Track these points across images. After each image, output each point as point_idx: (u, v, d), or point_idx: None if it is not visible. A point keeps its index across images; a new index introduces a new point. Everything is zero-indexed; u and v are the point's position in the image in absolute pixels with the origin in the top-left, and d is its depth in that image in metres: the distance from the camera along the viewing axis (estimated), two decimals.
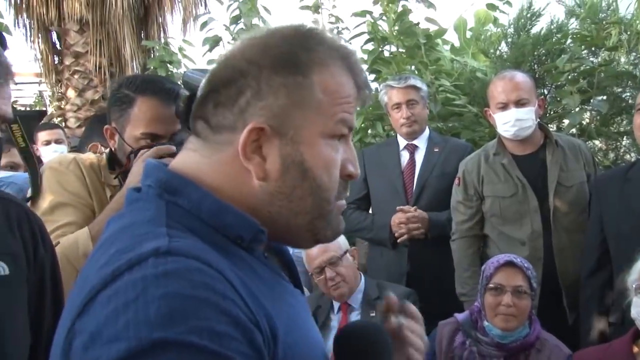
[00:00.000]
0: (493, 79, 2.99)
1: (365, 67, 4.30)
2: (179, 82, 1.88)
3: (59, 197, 1.77)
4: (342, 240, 2.85)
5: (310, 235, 0.91)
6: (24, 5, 7.46)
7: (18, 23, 7.54)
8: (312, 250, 2.77)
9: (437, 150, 3.23)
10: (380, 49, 4.23)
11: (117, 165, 1.85)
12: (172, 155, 1.57)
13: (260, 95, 0.84)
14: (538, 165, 2.86)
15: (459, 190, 2.98)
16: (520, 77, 2.86)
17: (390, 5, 4.08)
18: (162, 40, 6.34)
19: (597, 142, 4.13)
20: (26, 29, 7.61)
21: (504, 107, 2.80)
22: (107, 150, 1.94)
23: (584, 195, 2.82)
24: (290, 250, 1.09)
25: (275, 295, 0.83)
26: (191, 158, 0.89)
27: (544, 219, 2.79)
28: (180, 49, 5.28)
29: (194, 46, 5.34)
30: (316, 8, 4.28)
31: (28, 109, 9.50)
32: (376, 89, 4.26)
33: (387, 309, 1.03)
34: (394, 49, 4.22)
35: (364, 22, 4.24)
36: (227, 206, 0.84)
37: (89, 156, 1.95)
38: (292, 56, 0.85)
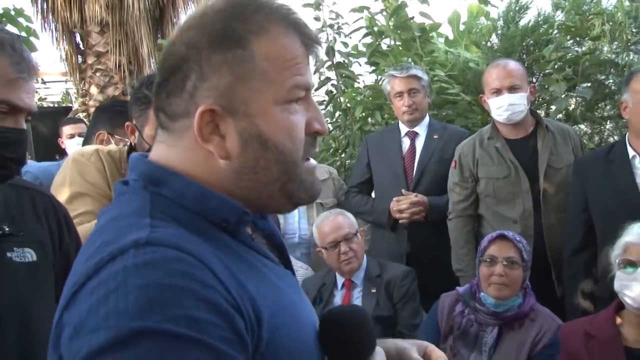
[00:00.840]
0: (487, 67, 2.97)
1: (364, 59, 4.27)
2: None
3: (78, 188, 1.77)
4: (353, 220, 2.88)
5: (286, 200, 0.85)
6: (49, 10, 7.48)
7: (45, 27, 7.56)
8: (325, 226, 2.80)
9: (436, 136, 3.19)
10: (377, 42, 4.19)
11: None
12: None
13: (204, 77, 0.79)
14: (529, 148, 2.84)
15: (455, 172, 2.96)
16: (513, 65, 2.87)
17: (388, 1, 4.04)
18: None
19: (582, 126, 4.12)
20: (52, 32, 7.63)
21: (498, 92, 2.78)
22: (126, 143, 1.96)
23: (571, 181, 2.78)
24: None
25: (261, 279, 0.79)
26: (161, 150, 0.84)
27: (535, 199, 2.78)
28: None
29: None
30: (317, 5, 4.20)
31: (56, 105, 9.48)
32: (377, 80, 4.25)
33: None
34: (391, 42, 4.18)
35: (362, 17, 4.20)
36: (209, 191, 0.80)
37: (110, 148, 1.95)
38: (227, 30, 0.79)
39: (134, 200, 0.79)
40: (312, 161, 0.88)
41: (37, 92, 9.07)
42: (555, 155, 2.81)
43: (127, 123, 1.85)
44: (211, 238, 0.77)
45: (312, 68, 0.88)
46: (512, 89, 2.75)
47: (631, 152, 2.53)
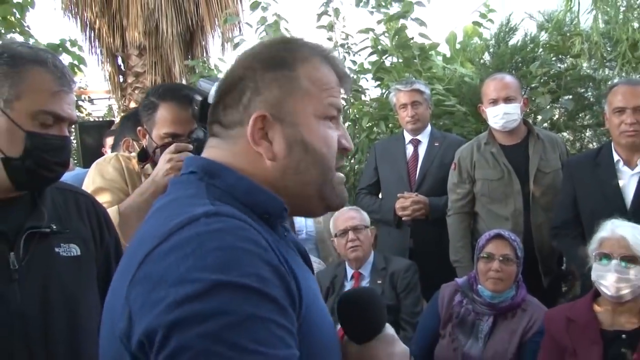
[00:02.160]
0: (486, 79, 2.94)
1: (370, 75, 4.26)
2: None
3: (99, 184, 1.84)
4: (365, 216, 2.89)
5: (321, 202, 0.87)
6: (96, 37, 7.59)
7: (92, 51, 7.69)
8: (340, 218, 2.83)
9: (437, 144, 3.16)
10: (382, 60, 4.18)
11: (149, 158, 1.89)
12: (189, 151, 1.65)
13: (257, 92, 0.83)
14: (521, 154, 2.81)
15: (454, 173, 2.93)
16: (509, 78, 2.88)
17: (390, 23, 4.04)
18: (202, 60, 6.43)
19: (565, 133, 4.09)
20: (98, 56, 7.76)
21: (495, 102, 2.77)
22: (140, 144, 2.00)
23: (558, 180, 2.77)
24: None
25: (296, 263, 0.80)
26: (214, 153, 0.86)
27: (525, 200, 2.76)
28: (216, 66, 5.36)
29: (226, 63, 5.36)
30: (330, 27, 4.22)
31: (100, 119, 9.56)
32: (382, 93, 4.22)
33: None
34: (394, 59, 4.16)
35: (368, 38, 4.21)
36: (259, 187, 0.82)
37: (130, 154, 2.04)
38: (277, 56, 0.85)
39: (191, 188, 0.81)
40: (342, 175, 0.90)
41: (85, 108, 9.19)
42: (544, 160, 2.78)
43: (138, 127, 1.90)
44: (259, 225, 0.77)
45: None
46: (508, 99, 2.74)
47: (616, 157, 2.48)
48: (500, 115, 2.74)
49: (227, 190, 0.80)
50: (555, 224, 2.64)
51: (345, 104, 4.32)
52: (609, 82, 3.73)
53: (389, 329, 0.87)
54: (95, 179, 1.88)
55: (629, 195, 2.41)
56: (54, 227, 1.23)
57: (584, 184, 2.53)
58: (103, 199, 1.76)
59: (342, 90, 0.89)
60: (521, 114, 2.79)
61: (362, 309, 0.85)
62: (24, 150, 1.16)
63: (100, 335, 0.78)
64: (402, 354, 0.85)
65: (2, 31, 4.53)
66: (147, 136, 1.82)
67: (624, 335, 1.91)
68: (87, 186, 1.86)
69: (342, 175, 0.89)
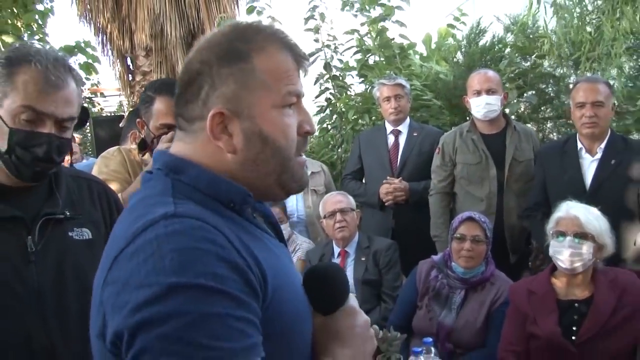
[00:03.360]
0: (472, 74, 2.92)
1: (355, 72, 4.22)
2: None
3: (105, 175, 1.83)
4: (351, 200, 2.85)
5: (281, 189, 0.82)
6: (108, 40, 7.51)
7: (104, 53, 7.61)
8: (328, 201, 2.81)
9: (415, 134, 3.12)
10: (365, 59, 4.14)
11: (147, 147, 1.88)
12: None
13: (214, 87, 0.76)
14: (499, 143, 2.79)
15: (438, 157, 2.90)
16: (491, 73, 2.87)
17: (373, 25, 4.01)
18: None
19: (529, 125, 4.04)
20: (109, 57, 7.64)
21: (478, 93, 2.75)
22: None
23: (530, 169, 2.77)
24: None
25: (263, 247, 0.76)
26: (180, 146, 0.81)
27: (499, 184, 2.74)
28: None
29: None
30: (317, 30, 4.15)
31: (112, 114, 9.51)
32: (365, 89, 4.18)
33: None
34: (376, 58, 4.13)
35: (353, 39, 4.16)
36: (220, 178, 0.77)
37: (131, 147, 2.04)
38: (232, 48, 0.77)
39: (158, 185, 0.77)
40: (303, 157, 0.85)
41: (98, 103, 9.08)
42: (519, 150, 2.76)
43: (137, 120, 1.88)
44: (223, 215, 0.74)
45: (303, 80, 0.84)
46: (490, 91, 2.72)
47: (579, 145, 2.50)
48: (483, 105, 2.72)
49: (191, 184, 0.76)
50: (527, 206, 2.64)
51: (332, 98, 4.28)
52: (567, 80, 3.76)
53: (352, 302, 0.83)
54: (101, 170, 1.88)
55: (589, 179, 2.42)
56: (68, 213, 1.22)
57: (552, 169, 2.54)
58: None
59: (301, 73, 0.82)
60: (501, 105, 2.77)
61: (326, 282, 0.81)
62: (8, 146, 1.13)
63: (90, 331, 0.75)
64: (362, 325, 0.81)
65: (26, 37, 4.48)
66: (145, 127, 1.80)
67: (576, 304, 1.92)
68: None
69: (303, 158, 0.84)
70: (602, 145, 2.43)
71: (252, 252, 0.70)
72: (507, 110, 3.85)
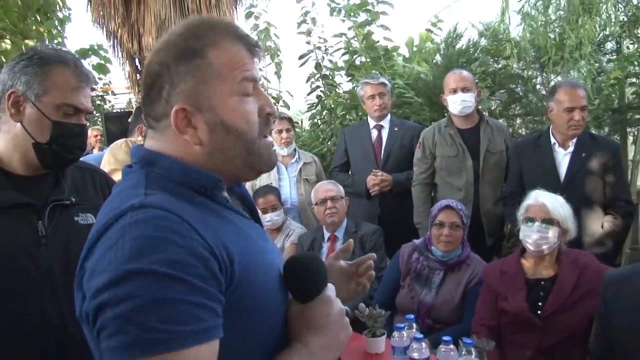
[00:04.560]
0: (448, 73, 2.88)
1: (343, 72, 4.16)
2: None
3: (113, 165, 1.82)
4: (341, 189, 2.79)
5: (250, 169, 0.78)
6: (118, 43, 7.39)
7: (115, 54, 7.49)
8: (320, 189, 2.75)
9: (397, 129, 3.05)
10: (352, 60, 4.09)
11: None
12: None
13: (174, 85, 0.73)
14: (474, 136, 2.75)
15: (419, 151, 2.87)
16: (466, 73, 2.83)
17: (359, 29, 3.96)
18: None
19: (500, 121, 4.01)
20: (119, 58, 7.49)
21: (454, 91, 2.71)
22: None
23: (502, 159, 2.74)
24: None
25: (234, 229, 0.73)
26: (152, 143, 0.78)
27: (475, 174, 2.70)
28: None
29: None
30: (309, 32, 4.08)
31: (122, 110, 9.37)
32: (353, 87, 4.12)
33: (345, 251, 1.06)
34: (363, 59, 4.07)
35: (341, 41, 4.10)
36: (190, 166, 0.74)
37: (138, 139, 2.00)
38: (187, 47, 0.74)
39: (134, 177, 0.74)
40: (270, 138, 0.80)
41: (109, 101, 8.90)
42: (492, 143, 2.72)
43: (138, 125, 1.81)
44: (193, 201, 0.71)
45: (258, 65, 0.80)
46: (465, 89, 2.69)
47: (552, 140, 2.48)
48: (459, 102, 2.69)
49: (164, 175, 0.73)
50: (504, 195, 2.61)
51: (322, 96, 4.22)
52: (534, 81, 3.73)
53: (329, 291, 0.79)
54: (110, 161, 1.85)
55: (563, 171, 2.40)
56: (74, 199, 1.22)
57: (528, 161, 2.51)
58: (116, 177, 1.69)
59: (255, 60, 0.78)
60: (475, 102, 2.73)
61: (303, 272, 0.77)
62: (50, 137, 1.15)
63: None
64: (337, 314, 0.77)
65: (47, 42, 4.45)
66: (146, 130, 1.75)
67: (542, 282, 1.92)
68: (103, 167, 1.82)
69: (269, 139, 0.80)
70: (574, 140, 2.41)
71: (218, 236, 0.67)
72: (479, 107, 3.86)
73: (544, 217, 1.91)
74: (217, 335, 0.63)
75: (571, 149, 2.41)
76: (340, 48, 4.09)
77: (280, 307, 0.75)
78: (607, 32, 3.70)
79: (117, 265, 0.61)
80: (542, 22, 3.58)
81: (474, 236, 2.40)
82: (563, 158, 2.43)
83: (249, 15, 4.25)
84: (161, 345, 0.59)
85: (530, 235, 1.91)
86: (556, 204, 1.94)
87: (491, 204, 2.69)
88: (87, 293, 0.64)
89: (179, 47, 0.74)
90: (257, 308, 0.70)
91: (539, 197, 1.97)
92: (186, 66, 0.73)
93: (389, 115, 3.10)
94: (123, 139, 2.02)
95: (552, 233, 1.89)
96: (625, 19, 3.60)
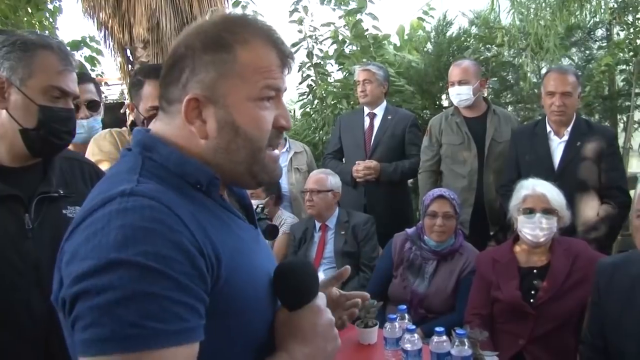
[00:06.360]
0: (453, 64, 2.80)
1: (333, 60, 4.11)
2: None
3: (98, 156, 1.76)
4: (334, 181, 2.68)
5: (252, 179, 0.74)
6: (109, 34, 7.18)
7: (106, 45, 7.29)
8: (311, 179, 2.67)
9: (390, 117, 2.96)
10: (342, 48, 4.02)
11: None
12: None
13: (195, 72, 0.69)
14: (480, 125, 2.70)
15: (426, 139, 2.82)
16: (466, 64, 2.74)
17: (349, 18, 3.90)
18: None
19: (507, 110, 3.99)
20: (111, 49, 7.27)
21: (452, 84, 2.68)
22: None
23: (508, 149, 2.66)
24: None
25: (225, 229, 0.69)
26: (158, 126, 0.74)
27: (480, 162, 2.65)
28: None
29: None
30: (300, 21, 3.99)
31: (114, 101, 9.25)
32: (343, 76, 4.06)
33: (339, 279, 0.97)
34: (352, 47, 4.01)
35: (329, 30, 4.04)
36: (188, 159, 0.70)
37: (122, 129, 1.95)
38: (217, 38, 0.69)
39: (130, 161, 0.70)
40: (276, 151, 0.75)
41: (102, 92, 8.75)
42: (498, 132, 2.66)
43: (127, 102, 1.74)
44: (186, 194, 0.67)
45: (287, 77, 0.75)
46: (460, 82, 2.64)
47: (548, 128, 2.42)
48: (454, 95, 2.66)
49: (161, 162, 0.69)
50: (502, 183, 2.56)
51: (314, 84, 4.13)
52: (525, 68, 3.67)
53: (319, 300, 0.74)
54: (94, 152, 1.79)
55: (557, 159, 2.36)
56: (62, 191, 1.17)
57: (524, 149, 2.46)
58: (102, 167, 1.61)
59: (285, 70, 0.73)
60: (475, 93, 2.64)
61: (292, 278, 0.73)
62: (37, 122, 1.09)
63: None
64: (326, 324, 0.73)
65: (38, 33, 4.38)
66: (135, 110, 1.67)
67: (535, 270, 1.88)
68: (89, 157, 1.72)
69: (276, 153, 0.75)
70: (569, 129, 2.36)
71: (207, 234, 0.63)
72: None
73: (545, 207, 1.87)
74: (198, 337, 0.59)
75: (566, 137, 2.36)
76: (329, 37, 4.02)
77: (266, 313, 0.71)
78: (597, 19, 3.65)
79: (100, 253, 0.57)
80: (533, 9, 3.51)
81: (479, 224, 2.36)
82: (557, 146, 2.38)
83: (236, 4, 4.18)
84: (138, 342, 0.54)
85: (530, 227, 1.87)
86: (554, 193, 1.90)
87: (494, 192, 2.63)
88: (65, 279, 0.60)
89: (209, 35, 0.70)
90: (239, 312, 0.66)
91: (537, 187, 1.92)
92: (212, 56, 0.69)
93: (384, 103, 3.01)
94: (107, 129, 1.96)
95: (553, 223, 1.86)
96: (615, 6, 3.55)
